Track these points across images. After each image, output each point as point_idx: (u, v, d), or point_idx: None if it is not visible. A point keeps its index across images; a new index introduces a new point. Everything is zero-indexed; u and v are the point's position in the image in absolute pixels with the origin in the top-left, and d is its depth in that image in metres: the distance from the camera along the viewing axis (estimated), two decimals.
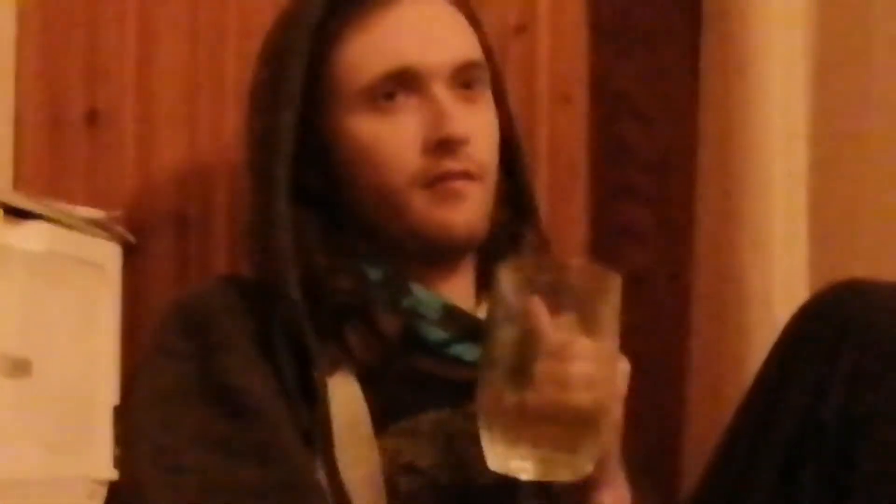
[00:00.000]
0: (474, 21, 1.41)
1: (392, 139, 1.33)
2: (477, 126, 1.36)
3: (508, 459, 1.10)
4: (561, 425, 1.10)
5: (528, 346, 1.10)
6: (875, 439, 1.24)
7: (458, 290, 1.39)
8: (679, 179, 1.72)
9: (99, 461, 1.42)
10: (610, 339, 1.13)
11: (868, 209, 1.63)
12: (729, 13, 1.62)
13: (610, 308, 1.13)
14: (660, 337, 1.73)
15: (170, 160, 1.67)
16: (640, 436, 1.66)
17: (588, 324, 1.11)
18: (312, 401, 1.26)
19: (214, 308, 1.31)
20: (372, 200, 1.35)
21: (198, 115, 1.67)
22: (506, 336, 1.12)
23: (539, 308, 1.11)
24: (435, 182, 1.33)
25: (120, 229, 1.53)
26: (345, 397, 1.28)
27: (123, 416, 1.39)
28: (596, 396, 1.11)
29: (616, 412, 1.17)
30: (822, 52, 1.66)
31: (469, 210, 1.34)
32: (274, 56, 1.39)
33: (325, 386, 1.27)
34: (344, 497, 1.23)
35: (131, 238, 1.56)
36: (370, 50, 1.35)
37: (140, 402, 1.28)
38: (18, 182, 1.64)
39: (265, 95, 1.38)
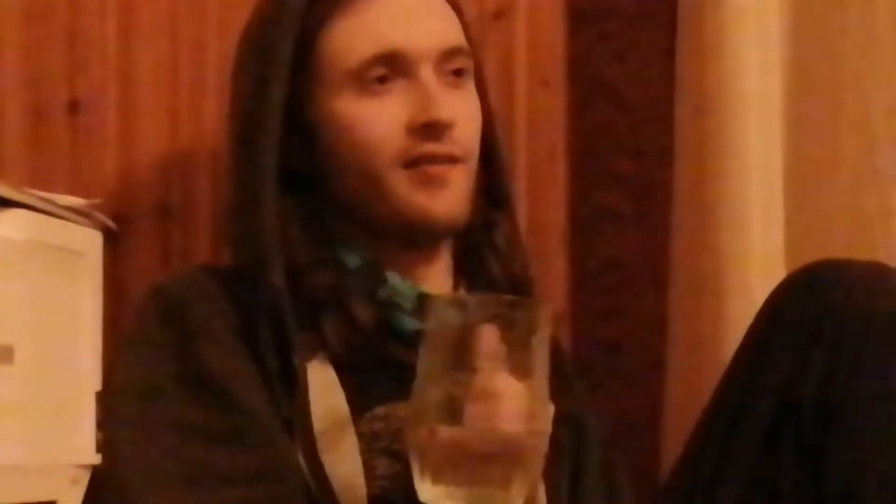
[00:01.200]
0: (458, 9, 1.42)
1: (378, 120, 1.34)
2: (462, 111, 1.37)
3: (439, 497, 1.10)
4: (491, 463, 1.08)
5: (458, 383, 1.09)
6: (849, 421, 1.26)
7: (436, 276, 1.40)
8: (657, 163, 1.74)
9: (82, 447, 1.43)
10: (539, 374, 1.11)
11: (844, 186, 1.65)
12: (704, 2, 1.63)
13: (540, 343, 1.11)
14: (638, 320, 1.75)
15: (151, 149, 1.67)
16: (619, 417, 1.70)
17: (518, 359, 1.10)
18: (292, 387, 1.27)
19: (193, 296, 1.31)
20: (355, 182, 1.36)
21: (179, 103, 1.68)
22: (437, 372, 1.11)
23: (480, 338, 1.10)
24: (416, 163, 1.33)
25: (101, 217, 1.53)
26: (322, 383, 1.29)
27: (105, 403, 1.40)
28: (526, 434, 1.10)
29: (543, 448, 1.14)
30: (798, 32, 1.67)
31: (451, 196, 1.35)
32: (259, 40, 1.39)
33: (304, 372, 1.27)
34: (324, 480, 1.24)
35: (113, 226, 1.57)
36: (359, 33, 1.35)
37: (120, 391, 1.29)
38: (1, 171, 1.65)
39: (251, 78, 1.38)
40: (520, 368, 1.10)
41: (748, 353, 1.38)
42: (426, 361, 1.11)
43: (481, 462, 1.07)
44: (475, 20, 1.50)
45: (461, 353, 1.09)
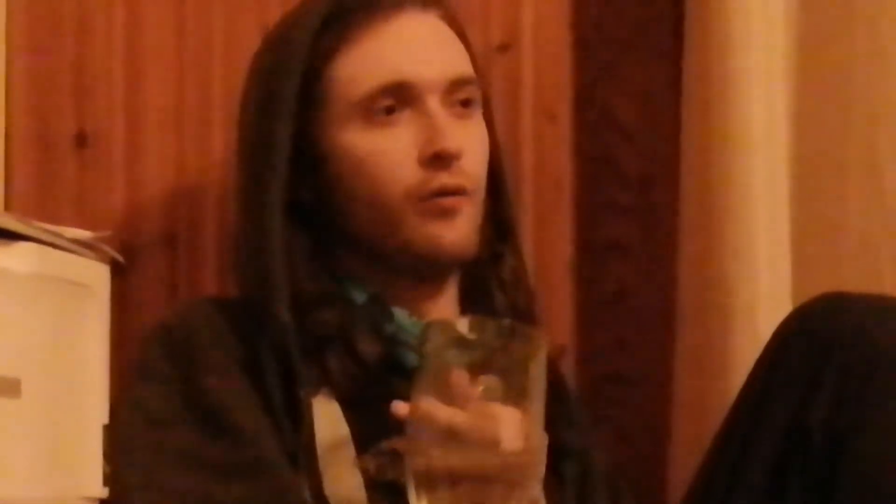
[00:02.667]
0: (465, 40, 1.43)
1: (388, 152, 1.34)
2: (470, 141, 1.37)
3: None
4: (489, 484, 1.08)
5: (454, 407, 1.10)
6: (857, 452, 1.25)
7: (442, 310, 1.40)
8: (663, 194, 1.73)
9: (89, 480, 1.43)
10: (535, 399, 1.12)
11: (851, 219, 1.64)
12: (711, 30, 1.62)
13: (537, 369, 1.12)
14: (645, 350, 1.75)
15: (158, 181, 1.67)
16: (626, 448, 1.69)
17: (514, 384, 1.11)
18: (297, 420, 1.27)
19: (198, 329, 1.31)
20: (365, 214, 1.36)
21: (185, 135, 1.68)
22: (430, 406, 1.11)
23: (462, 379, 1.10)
24: (430, 197, 1.34)
25: (108, 249, 1.53)
26: (327, 418, 1.29)
27: (111, 436, 1.40)
28: (523, 454, 1.10)
29: (541, 470, 1.13)
30: (804, 70, 1.67)
31: (461, 226, 1.35)
32: (266, 72, 1.39)
33: (309, 406, 1.27)
34: None
35: (120, 258, 1.57)
36: (366, 64, 1.36)
37: (126, 424, 1.29)
38: (8, 204, 1.65)
39: (258, 112, 1.38)
40: (516, 393, 1.10)
41: (756, 384, 1.38)
42: (422, 386, 1.12)
43: (478, 483, 1.07)
44: (480, 53, 1.50)
45: (453, 386, 1.10)
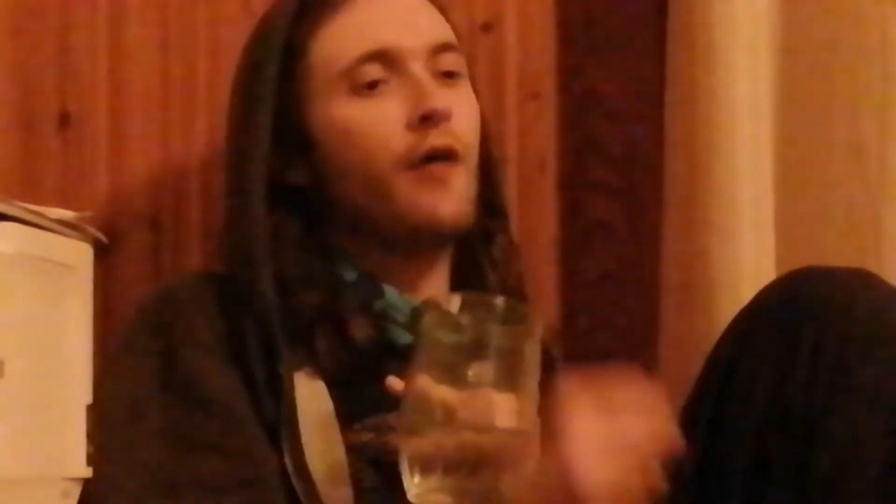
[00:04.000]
0: (447, 16, 1.43)
1: (375, 120, 1.34)
2: (459, 105, 1.37)
3: (428, 490, 1.10)
4: (482, 460, 1.09)
5: (449, 386, 1.10)
6: (832, 429, 1.26)
7: (434, 287, 1.40)
8: (648, 174, 1.74)
9: (73, 460, 1.42)
10: (529, 381, 1.12)
11: (835, 198, 1.64)
12: (695, 9, 1.63)
13: (530, 350, 1.12)
14: (630, 330, 1.76)
15: (142, 162, 1.67)
16: None
17: (509, 364, 1.10)
18: (279, 396, 1.27)
19: (182, 304, 1.31)
20: (357, 187, 1.36)
21: (170, 116, 1.68)
22: (425, 385, 1.11)
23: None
24: (421, 163, 1.33)
25: (91, 230, 1.53)
26: (311, 394, 1.29)
27: (93, 413, 1.40)
28: (517, 431, 1.10)
29: (534, 447, 1.14)
30: (788, 50, 1.67)
31: (455, 197, 1.35)
32: (249, 55, 1.40)
33: (291, 382, 1.27)
34: (312, 490, 1.24)
35: (103, 238, 1.57)
36: (347, 35, 1.36)
37: (106, 400, 1.30)
38: None
39: (241, 93, 1.39)
40: (509, 373, 1.10)
41: (728, 354, 1.37)
42: (416, 364, 1.11)
43: (471, 463, 1.08)
44: (464, 33, 1.50)
45: (453, 360, 1.10)
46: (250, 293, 1.30)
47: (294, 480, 1.24)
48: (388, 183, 1.34)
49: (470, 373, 1.09)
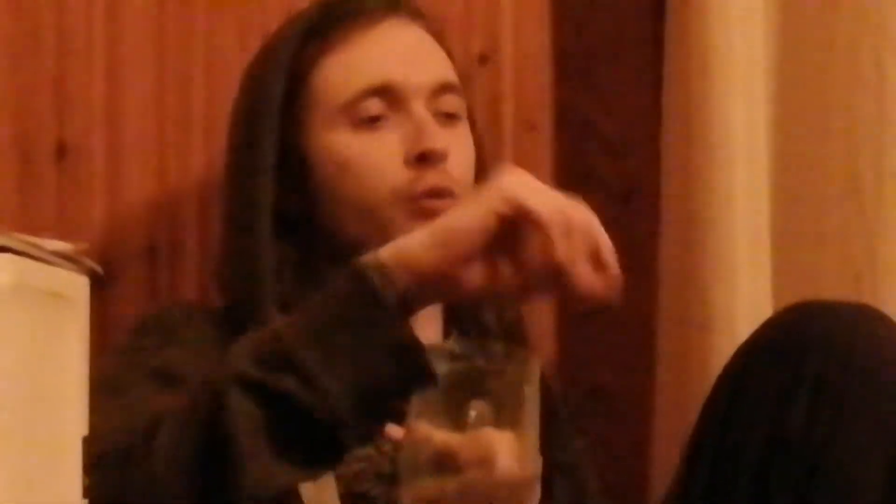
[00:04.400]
0: (450, 54, 1.45)
1: (374, 153, 1.36)
2: (456, 147, 1.39)
3: None
4: None
5: (450, 433, 1.10)
6: (832, 464, 1.26)
7: (427, 320, 1.39)
8: (644, 205, 1.74)
9: (68, 492, 1.42)
10: (530, 424, 1.13)
11: (831, 228, 1.65)
12: (691, 41, 1.64)
13: (530, 393, 1.13)
14: (626, 362, 1.75)
15: (138, 192, 1.67)
16: (608, 460, 1.69)
17: (509, 409, 1.11)
18: None
19: (177, 319, 1.34)
20: (352, 218, 1.37)
21: (166, 146, 1.68)
22: (425, 430, 1.12)
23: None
24: (417, 198, 1.35)
25: (87, 261, 1.52)
26: None
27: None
28: (520, 480, 1.11)
29: (536, 495, 1.15)
30: (784, 81, 1.68)
31: None
32: (252, 84, 1.42)
33: None
34: None
35: (99, 270, 1.56)
36: (352, 67, 1.38)
37: (93, 388, 1.28)
38: None
39: (245, 122, 1.40)
40: (510, 416, 1.10)
41: (730, 393, 1.37)
42: (416, 410, 1.12)
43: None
44: (461, 65, 1.51)
45: (452, 404, 1.11)
46: (253, 322, 1.29)
47: None
48: (384, 215, 1.35)
49: (471, 414, 1.10)
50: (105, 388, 1.26)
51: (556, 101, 1.78)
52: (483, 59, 1.73)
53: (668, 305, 1.67)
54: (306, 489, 1.25)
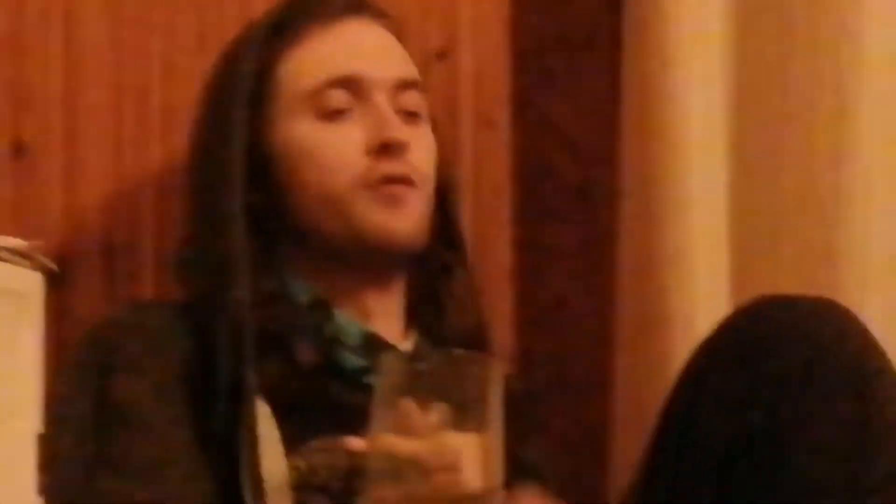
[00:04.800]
0: (410, 54, 1.48)
1: (336, 142, 1.39)
2: (417, 141, 1.42)
3: None
4: None
5: (414, 441, 1.11)
6: (796, 458, 1.26)
7: (387, 314, 1.43)
8: (602, 201, 1.75)
9: (23, 490, 1.42)
10: (493, 429, 1.13)
11: (788, 225, 1.65)
12: (649, 37, 1.65)
13: (494, 398, 1.13)
14: (584, 356, 1.77)
15: (96, 191, 1.67)
16: (567, 455, 1.71)
17: (473, 415, 1.11)
18: (230, 423, 1.28)
19: (124, 330, 1.34)
20: (315, 206, 1.39)
21: (123, 144, 1.68)
22: (391, 430, 1.12)
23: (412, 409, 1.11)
24: (377, 185, 1.38)
25: (42, 258, 1.52)
26: (259, 416, 1.29)
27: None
28: (485, 488, 1.11)
29: (500, 498, 1.16)
30: (741, 77, 1.69)
31: (409, 216, 1.39)
32: (219, 80, 1.44)
33: (253, 403, 1.28)
34: None
35: (54, 267, 1.56)
36: (316, 59, 1.41)
37: (46, 428, 1.30)
38: None
39: (213, 116, 1.43)
40: (473, 421, 1.11)
41: (691, 383, 1.38)
42: (379, 416, 1.12)
43: None
44: (419, 61, 1.53)
45: (413, 406, 1.10)
46: (219, 315, 1.32)
47: (248, 498, 1.25)
48: (345, 201, 1.38)
49: (433, 417, 1.10)
50: (59, 433, 1.28)
51: (515, 96, 1.79)
52: (441, 55, 1.74)
53: (626, 300, 1.68)
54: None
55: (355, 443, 1.18)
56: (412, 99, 1.44)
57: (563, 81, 1.79)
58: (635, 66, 1.68)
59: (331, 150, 1.39)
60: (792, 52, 1.66)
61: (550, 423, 1.73)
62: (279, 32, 1.43)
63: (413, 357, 1.18)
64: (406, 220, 1.39)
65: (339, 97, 1.40)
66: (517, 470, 1.22)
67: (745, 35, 1.69)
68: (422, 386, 1.12)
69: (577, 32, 1.80)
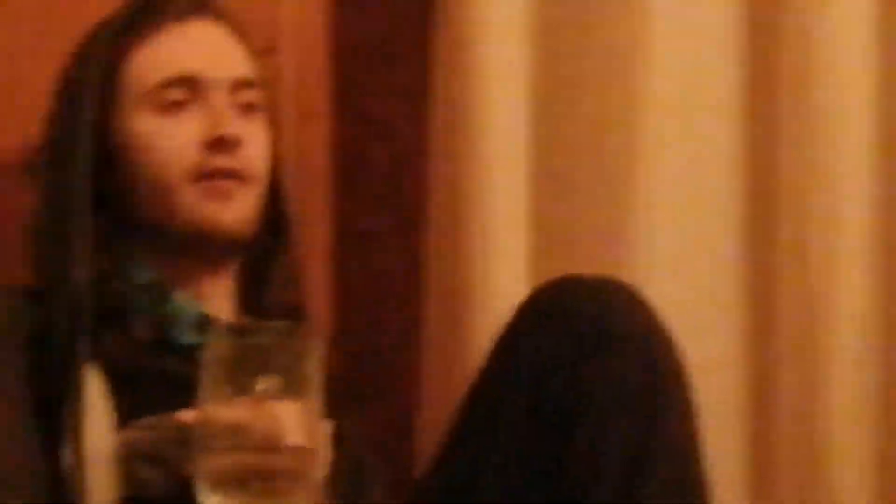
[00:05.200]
0: (252, 54, 1.53)
1: (172, 136, 1.43)
2: (251, 136, 1.46)
3: None
4: (274, 479, 1.12)
5: (238, 406, 1.13)
6: (591, 414, 1.33)
7: (219, 296, 1.48)
8: (414, 189, 1.81)
9: None
10: (313, 396, 1.16)
11: (583, 207, 1.75)
12: (456, 35, 1.73)
13: (312, 367, 1.16)
14: (397, 330, 1.83)
15: None
16: (381, 422, 1.75)
17: (293, 383, 1.14)
18: (63, 394, 1.31)
19: None
20: (151, 195, 1.44)
21: None
22: (217, 397, 1.14)
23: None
24: (206, 177, 1.43)
25: None
26: (92, 391, 1.33)
27: None
28: (306, 449, 1.14)
29: (322, 464, 1.20)
30: (542, 67, 1.77)
31: (238, 209, 1.44)
32: (70, 73, 1.47)
33: (83, 379, 1.32)
34: (83, 482, 1.28)
35: None
36: (159, 58, 1.46)
37: None
38: None
39: (64, 111, 1.46)
40: (294, 390, 1.14)
41: (495, 363, 1.44)
42: (207, 387, 1.15)
43: (265, 478, 1.12)
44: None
45: (240, 379, 1.13)
46: (65, 298, 1.36)
47: (69, 472, 1.28)
48: (177, 192, 1.42)
49: (256, 388, 1.13)
50: None
51: (334, 92, 1.83)
52: (265, 52, 1.71)
53: (435, 278, 1.74)
54: (91, 453, 1.29)
55: (186, 415, 1.20)
56: (249, 97, 1.48)
57: (378, 78, 1.85)
58: (444, 62, 1.74)
59: (166, 143, 1.43)
60: (590, 43, 1.76)
61: (364, 395, 1.77)
62: (127, 30, 1.46)
63: (239, 332, 1.17)
64: (234, 212, 1.43)
65: (177, 93, 1.44)
66: (333, 442, 1.25)
67: (545, 25, 1.76)
68: (248, 359, 1.14)
69: (393, 32, 1.85)
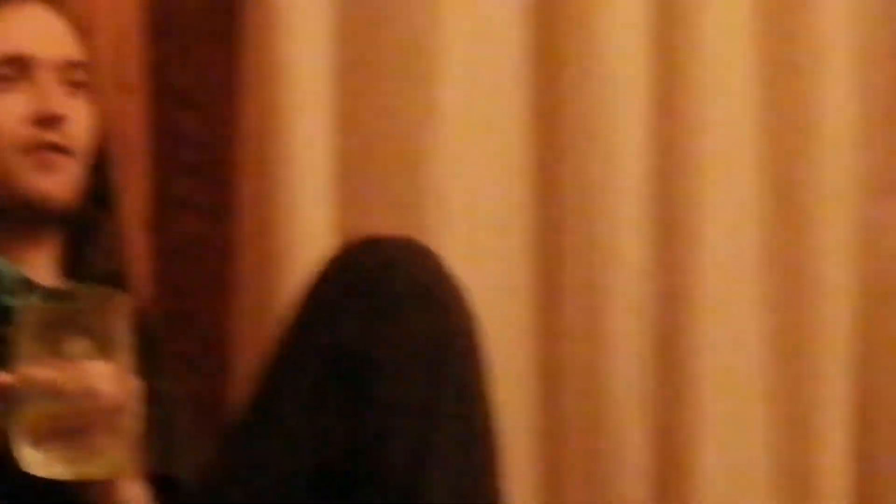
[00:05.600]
0: (80, 37, 1.60)
1: (2, 112, 1.50)
2: (76, 114, 1.53)
3: (42, 464, 1.19)
4: (90, 431, 1.18)
5: (53, 363, 1.19)
6: (382, 370, 1.38)
7: (43, 263, 1.54)
8: (226, 157, 1.88)
9: None
10: (123, 353, 1.21)
11: (384, 183, 1.85)
12: (265, 17, 1.80)
13: (121, 326, 1.22)
14: (212, 293, 1.90)
15: None
16: (197, 378, 1.84)
17: (102, 346, 1.20)
18: None
19: None
20: None
21: None
22: (33, 355, 1.19)
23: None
24: (34, 150, 1.49)
25: None
26: None
27: None
28: (119, 401, 1.20)
29: (136, 417, 1.24)
30: (342, 40, 1.85)
31: (63, 180, 1.50)
32: None
33: None
34: None
35: None
36: None
37: None
38: None
39: None
40: (105, 348, 1.20)
41: (299, 315, 1.47)
42: (21, 348, 1.20)
43: (81, 432, 1.18)
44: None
45: (53, 340, 1.20)
46: None
47: None
48: (7, 165, 1.49)
49: (71, 349, 1.19)
50: None
51: (150, 67, 1.89)
52: (84, 31, 1.75)
53: (246, 242, 1.82)
54: None
55: (2, 375, 1.23)
56: (75, 76, 1.54)
57: (190, 53, 1.90)
58: (252, 42, 1.82)
59: None
60: (389, 32, 1.85)
61: (182, 351, 1.83)
62: None
63: (55, 296, 1.25)
64: (60, 184, 1.50)
65: (7, 71, 1.49)
66: (151, 398, 1.29)
67: (349, 15, 1.86)
68: (60, 321, 1.20)
69: (204, 11, 1.91)
